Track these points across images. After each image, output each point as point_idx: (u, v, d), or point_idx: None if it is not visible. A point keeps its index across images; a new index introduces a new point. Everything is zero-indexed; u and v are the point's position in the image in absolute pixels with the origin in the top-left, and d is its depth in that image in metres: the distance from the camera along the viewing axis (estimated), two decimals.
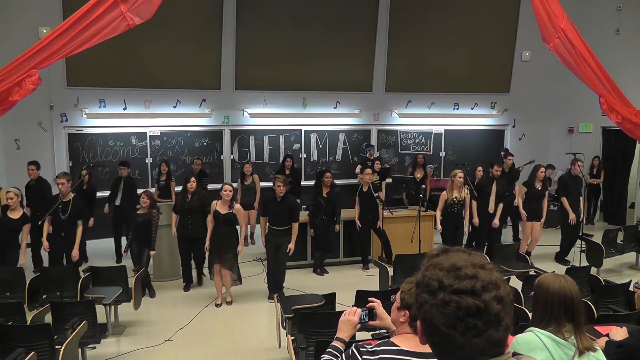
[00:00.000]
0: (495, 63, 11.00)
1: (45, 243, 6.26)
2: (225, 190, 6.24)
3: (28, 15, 8.37)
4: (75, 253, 6.22)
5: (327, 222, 7.45)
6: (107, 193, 8.20)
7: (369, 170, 7.74)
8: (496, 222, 7.73)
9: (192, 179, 6.86)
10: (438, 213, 7.15)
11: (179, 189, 8.87)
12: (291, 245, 6.45)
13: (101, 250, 8.33)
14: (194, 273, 7.10)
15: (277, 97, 10.10)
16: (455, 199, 7.08)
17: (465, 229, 7.35)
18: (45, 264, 6.77)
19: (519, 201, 7.81)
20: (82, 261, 7.87)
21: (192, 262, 7.03)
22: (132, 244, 6.53)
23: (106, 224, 8.18)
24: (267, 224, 6.54)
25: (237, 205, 6.36)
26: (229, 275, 6.31)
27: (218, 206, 6.27)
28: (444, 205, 7.12)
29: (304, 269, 7.73)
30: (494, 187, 7.72)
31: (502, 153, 9.92)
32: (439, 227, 7.12)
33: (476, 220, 7.44)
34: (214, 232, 6.29)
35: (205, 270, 7.00)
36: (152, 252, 6.52)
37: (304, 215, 7.51)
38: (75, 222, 6.24)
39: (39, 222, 6.25)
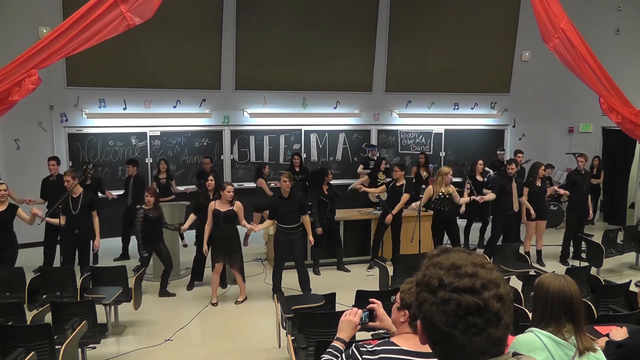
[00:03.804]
0: (495, 63, 11.00)
1: (55, 221, 6.13)
2: (229, 192, 6.19)
3: (28, 15, 8.37)
4: (97, 243, 6.48)
5: (331, 218, 7.54)
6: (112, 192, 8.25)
7: (397, 167, 7.67)
8: (532, 212, 7.62)
9: (211, 177, 6.78)
10: (419, 205, 7.00)
11: (178, 188, 8.94)
12: (311, 237, 6.51)
13: (107, 250, 8.30)
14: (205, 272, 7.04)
15: (277, 97, 10.10)
16: (441, 195, 7.02)
17: (462, 208, 7.36)
18: (55, 263, 6.78)
19: (524, 201, 7.65)
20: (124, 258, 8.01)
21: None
22: (143, 247, 6.38)
23: (111, 223, 8.21)
24: (276, 224, 6.44)
25: (238, 203, 6.30)
26: (239, 274, 6.34)
27: (217, 205, 6.23)
28: (428, 201, 7.14)
29: None
30: (514, 185, 7.60)
31: (501, 152, 9.92)
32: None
33: (465, 205, 7.40)
34: (216, 232, 6.26)
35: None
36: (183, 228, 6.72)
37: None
38: (88, 217, 6.37)
39: (40, 222, 6.23)
